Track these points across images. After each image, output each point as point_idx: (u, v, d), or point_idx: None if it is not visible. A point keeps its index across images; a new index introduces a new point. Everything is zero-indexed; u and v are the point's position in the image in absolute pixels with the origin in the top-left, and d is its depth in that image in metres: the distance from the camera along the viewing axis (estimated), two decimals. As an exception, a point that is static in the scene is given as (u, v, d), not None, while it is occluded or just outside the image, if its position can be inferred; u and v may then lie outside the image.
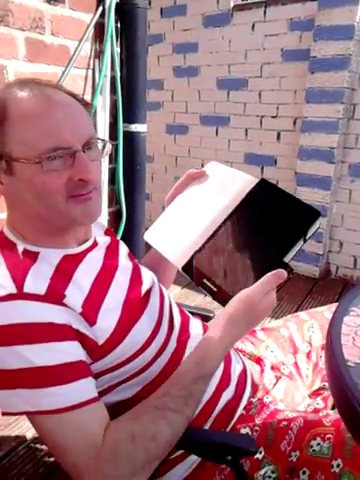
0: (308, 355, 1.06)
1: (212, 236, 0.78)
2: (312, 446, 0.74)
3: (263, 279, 0.69)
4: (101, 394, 0.68)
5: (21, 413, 0.63)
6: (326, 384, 1.02)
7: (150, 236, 0.89)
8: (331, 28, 2.36)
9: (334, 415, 0.89)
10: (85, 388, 0.65)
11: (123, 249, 0.89)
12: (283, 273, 0.69)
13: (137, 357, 0.75)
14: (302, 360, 1.05)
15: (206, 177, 0.88)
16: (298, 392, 0.96)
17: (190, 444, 0.72)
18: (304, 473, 0.73)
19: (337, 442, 0.73)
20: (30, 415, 0.64)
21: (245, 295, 0.69)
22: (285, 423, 0.80)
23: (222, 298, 0.72)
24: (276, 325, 1.11)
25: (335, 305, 1.13)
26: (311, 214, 0.72)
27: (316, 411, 0.91)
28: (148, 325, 0.79)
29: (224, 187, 0.83)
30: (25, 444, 1.34)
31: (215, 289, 0.74)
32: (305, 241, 0.72)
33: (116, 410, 0.68)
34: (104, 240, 0.84)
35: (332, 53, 2.39)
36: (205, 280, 0.75)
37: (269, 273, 0.69)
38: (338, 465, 0.71)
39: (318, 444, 0.74)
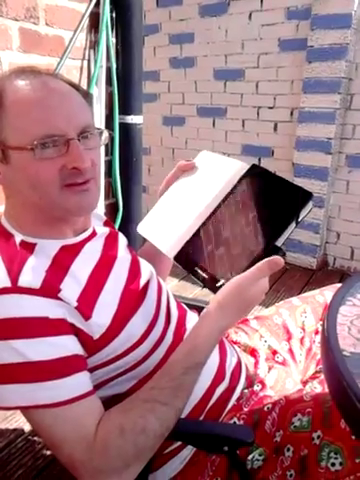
0: (301, 340, 1.06)
1: (204, 224, 0.77)
2: (293, 423, 0.75)
3: (257, 265, 0.67)
4: (95, 388, 0.68)
5: (17, 407, 0.63)
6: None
7: (143, 228, 0.89)
8: (328, 17, 2.34)
9: (314, 391, 0.89)
10: (81, 382, 0.65)
11: (122, 240, 0.88)
12: (279, 260, 0.66)
13: (132, 351, 0.74)
14: (296, 346, 1.05)
15: (197, 167, 0.87)
16: (290, 378, 0.96)
17: (187, 436, 0.73)
18: (288, 450, 0.73)
19: (316, 414, 0.74)
20: (25, 409, 0.64)
21: (235, 282, 0.67)
22: (269, 406, 0.80)
23: (214, 285, 0.71)
24: (269, 313, 1.11)
25: (327, 288, 1.14)
26: (303, 196, 0.71)
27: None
28: (144, 319, 0.78)
29: (215, 175, 0.82)
30: (23, 436, 1.35)
31: (206, 276, 0.73)
32: (297, 224, 0.70)
33: (111, 404, 0.68)
34: (103, 231, 0.83)
35: (329, 42, 2.37)
36: (196, 268, 0.74)
37: (264, 260, 0.66)
38: (318, 436, 0.71)
39: (299, 419, 0.75)
